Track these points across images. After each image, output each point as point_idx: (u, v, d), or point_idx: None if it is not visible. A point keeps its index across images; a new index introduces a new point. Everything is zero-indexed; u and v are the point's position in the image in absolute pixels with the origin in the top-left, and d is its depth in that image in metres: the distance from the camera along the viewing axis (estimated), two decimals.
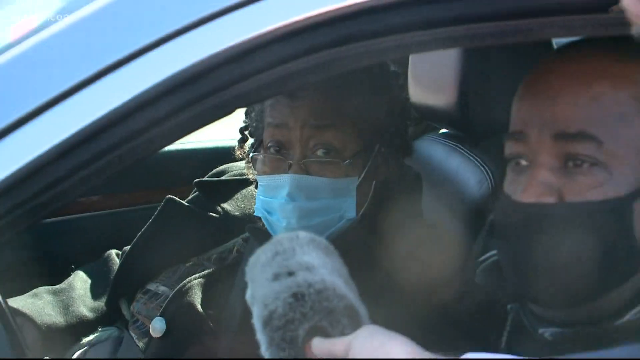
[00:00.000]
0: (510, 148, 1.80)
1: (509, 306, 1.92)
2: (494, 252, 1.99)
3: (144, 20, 1.45)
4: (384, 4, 1.46)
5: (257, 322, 1.74)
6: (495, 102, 1.84)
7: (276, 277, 1.77)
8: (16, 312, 2.62)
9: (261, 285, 1.79)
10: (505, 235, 1.82)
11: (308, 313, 1.70)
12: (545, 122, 1.73)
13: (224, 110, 1.47)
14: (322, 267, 1.79)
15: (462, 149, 2.69)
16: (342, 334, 1.64)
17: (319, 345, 1.61)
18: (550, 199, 1.71)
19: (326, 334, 1.67)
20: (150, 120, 1.41)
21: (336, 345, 1.58)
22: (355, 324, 1.71)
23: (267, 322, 1.72)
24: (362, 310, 1.77)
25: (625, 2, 1.09)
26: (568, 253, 1.70)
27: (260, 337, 1.73)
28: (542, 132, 1.73)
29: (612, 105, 1.69)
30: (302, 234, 1.91)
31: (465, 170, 2.63)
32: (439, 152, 2.75)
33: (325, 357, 1.59)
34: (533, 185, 1.73)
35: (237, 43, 1.42)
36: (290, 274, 1.78)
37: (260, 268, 1.83)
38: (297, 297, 1.72)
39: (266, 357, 1.74)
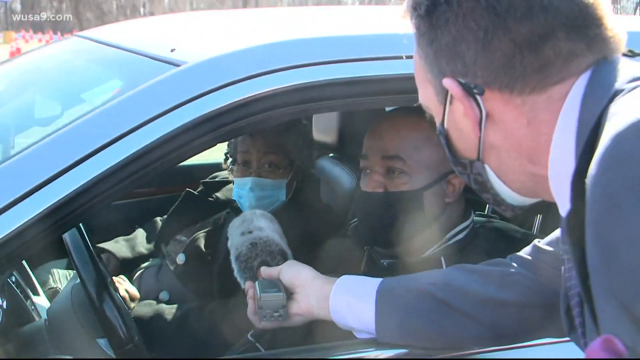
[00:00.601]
0: (362, 163, 1.82)
1: (365, 248, 1.89)
2: (356, 218, 1.98)
3: (168, 94, 1.41)
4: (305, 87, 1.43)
5: (232, 258, 1.82)
6: (357, 139, 1.84)
7: (242, 233, 1.82)
8: (105, 251, 2.57)
9: (235, 238, 1.84)
10: (358, 208, 1.85)
11: (259, 253, 1.75)
12: (378, 149, 1.76)
13: (210, 144, 1.42)
14: (267, 229, 1.85)
15: (340, 165, 2.66)
16: (277, 264, 1.68)
17: (264, 271, 1.63)
18: (380, 190, 1.74)
19: (268, 265, 1.72)
20: (168, 150, 1.37)
21: (273, 271, 1.59)
22: (284, 260, 1.77)
23: (237, 258, 1.76)
24: (289, 252, 1.83)
25: (420, 98, 1.08)
26: (387, 218, 1.73)
27: (234, 266, 1.81)
28: (376, 155, 1.76)
29: (412, 140, 1.72)
30: (258, 211, 1.98)
31: (342, 176, 2.61)
32: (329, 166, 2.72)
33: (267, 278, 1.59)
34: (371, 183, 1.76)
35: (218, 108, 1.38)
36: (250, 232, 1.81)
37: (235, 229, 1.89)
38: (253, 244, 1.76)
39: (238, 278, 1.75)
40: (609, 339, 0.75)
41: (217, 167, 2.89)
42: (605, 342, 0.75)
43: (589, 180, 0.78)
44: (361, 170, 1.84)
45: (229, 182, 2.69)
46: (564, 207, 0.92)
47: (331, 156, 2.85)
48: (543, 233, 1.96)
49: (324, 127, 2.72)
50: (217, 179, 2.77)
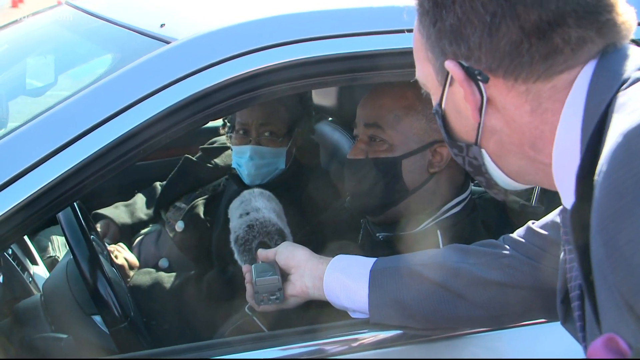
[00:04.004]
0: (354, 131, 1.83)
1: (362, 220, 1.88)
2: None
3: (158, 72, 1.39)
4: (295, 63, 1.41)
5: (232, 241, 1.81)
6: (356, 103, 1.82)
7: (240, 215, 1.83)
8: (105, 217, 2.58)
9: (234, 220, 1.86)
10: (345, 175, 1.84)
11: (256, 235, 1.76)
12: (362, 118, 1.77)
13: (201, 122, 1.42)
14: (264, 209, 1.85)
15: (340, 129, 2.65)
16: (276, 244, 1.70)
17: (261, 253, 1.63)
18: (362, 156, 1.74)
19: (267, 246, 1.72)
20: (159, 130, 1.36)
21: (269, 253, 1.59)
22: (282, 239, 1.77)
23: (236, 241, 1.78)
24: (287, 230, 1.83)
25: (417, 74, 1.05)
26: (365, 184, 1.74)
27: (233, 248, 1.80)
28: (361, 122, 1.76)
29: (392, 109, 1.71)
30: (257, 190, 1.96)
31: (341, 140, 2.60)
32: (328, 131, 2.71)
33: (264, 260, 1.59)
34: (355, 149, 1.77)
35: (218, 82, 1.36)
36: (247, 213, 1.82)
37: (234, 210, 1.88)
38: (250, 226, 1.77)
39: (238, 260, 1.76)
40: (612, 338, 0.74)
41: (215, 131, 2.87)
42: (608, 341, 0.74)
43: (598, 177, 0.75)
44: (354, 138, 1.84)
45: (227, 147, 2.67)
46: (567, 199, 0.89)
47: (331, 120, 2.82)
48: (542, 204, 1.95)
49: (323, 91, 2.69)
50: (215, 145, 2.75)
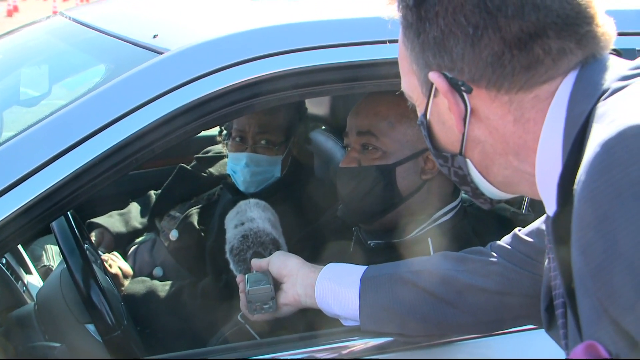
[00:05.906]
0: (345, 141, 1.86)
1: (354, 228, 1.90)
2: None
3: (157, 79, 1.41)
4: (288, 73, 1.43)
5: (227, 251, 1.83)
6: (346, 115, 1.84)
7: (235, 226, 1.85)
8: (99, 226, 2.59)
9: (229, 231, 1.89)
10: (337, 185, 1.86)
11: (250, 245, 1.77)
12: (354, 126, 1.79)
13: (194, 132, 1.44)
14: (259, 219, 1.87)
15: (333, 138, 2.67)
16: (270, 254, 1.69)
17: (255, 262, 1.65)
18: (354, 165, 1.77)
19: (262, 256, 1.73)
20: (151, 140, 1.38)
21: (262, 263, 1.62)
22: (276, 249, 1.79)
23: (231, 251, 1.80)
24: (281, 240, 1.85)
25: (403, 86, 1.07)
26: (359, 192, 1.76)
27: (229, 258, 1.82)
28: (353, 131, 1.79)
29: (385, 117, 1.74)
30: (252, 200, 1.99)
31: (334, 149, 2.61)
32: (322, 139, 2.73)
33: (258, 270, 1.61)
34: (347, 158, 1.80)
35: (211, 92, 1.38)
36: (242, 224, 1.83)
37: (230, 221, 1.91)
38: (244, 236, 1.78)
39: (233, 270, 1.80)
40: (593, 345, 0.76)
41: (210, 139, 2.89)
42: (589, 347, 0.76)
43: (577, 187, 0.77)
44: (345, 148, 1.86)
45: (222, 157, 2.69)
46: (550, 207, 0.92)
47: (324, 129, 2.85)
48: (532, 211, 1.97)
49: (315, 100, 2.72)
50: (210, 154, 2.77)
